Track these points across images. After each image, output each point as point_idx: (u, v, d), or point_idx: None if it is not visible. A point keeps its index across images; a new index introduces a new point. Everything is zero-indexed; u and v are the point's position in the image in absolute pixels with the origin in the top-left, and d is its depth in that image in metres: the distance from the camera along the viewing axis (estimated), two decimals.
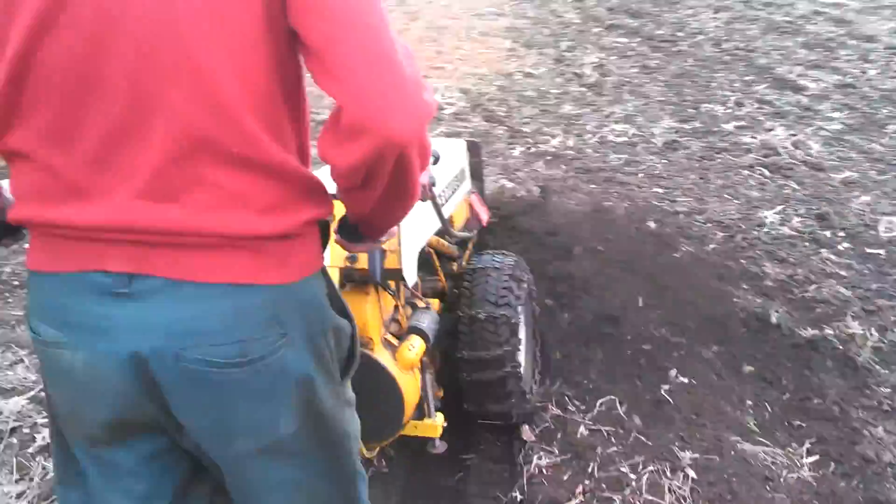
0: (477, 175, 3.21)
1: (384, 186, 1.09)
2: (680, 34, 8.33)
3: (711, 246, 3.92)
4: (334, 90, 1.01)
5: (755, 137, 5.38)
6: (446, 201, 2.47)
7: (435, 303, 2.47)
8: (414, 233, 2.06)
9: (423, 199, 1.62)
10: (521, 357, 2.58)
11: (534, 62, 7.91)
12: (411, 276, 2.06)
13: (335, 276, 1.89)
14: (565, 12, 10.92)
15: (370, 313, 2.02)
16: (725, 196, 4.53)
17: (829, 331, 3.26)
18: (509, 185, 4.65)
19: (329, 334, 1.20)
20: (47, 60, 1.01)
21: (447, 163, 2.46)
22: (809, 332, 3.25)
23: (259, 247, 1.08)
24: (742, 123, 5.67)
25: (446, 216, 2.35)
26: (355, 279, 1.99)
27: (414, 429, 2.26)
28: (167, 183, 1.05)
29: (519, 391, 2.52)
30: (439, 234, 2.48)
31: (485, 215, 3.15)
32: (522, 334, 2.64)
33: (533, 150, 5.39)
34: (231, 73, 1.02)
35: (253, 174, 1.06)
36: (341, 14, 1.00)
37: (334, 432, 1.26)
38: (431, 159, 1.57)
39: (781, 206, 4.35)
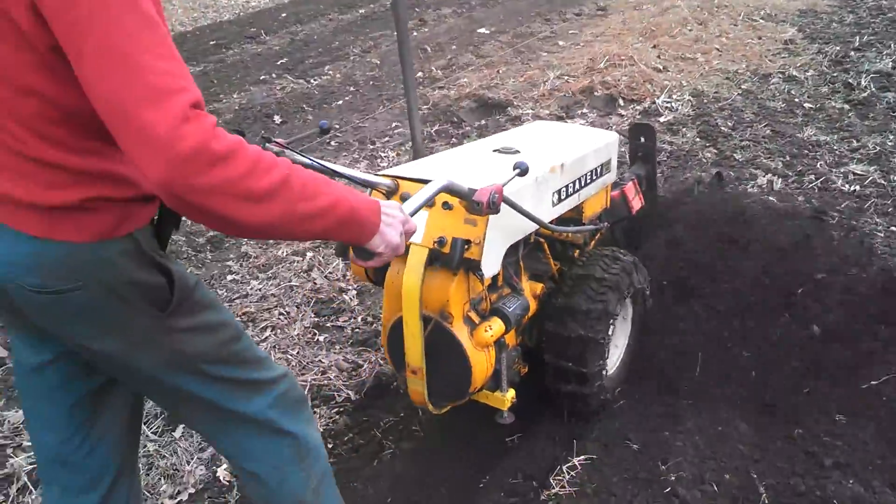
0: (649, 159, 3.46)
1: (209, 223, 1.26)
2: None
3: None
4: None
5: None
6: (567, 197, 2.59)
7: (537, 287, 2.61)
8: (500, 230, 2.20)
9: (488, 212, 1.87)
10: (605, 370, 2.67)
11: (806, 61, 6.52)
12: (490, 268, 2.21)
13: (423, 255, 2.12)
14: None
15: (452, 291, 2.22)
16: None
17: None
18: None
19: (128, 285, 1.41)
20: None
21: (580, 157, 2.63)
22: None
23: (50, 212, 1.33)
24: None
25: (569, 208, 2.64)
26: (440, 260, 2.16)
27: (485, 398, 2.46)
28: None
29: (597, 399, 2.67)
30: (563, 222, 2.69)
31: (637, 204, 3.21)
32: (616, 343, 2.80)
33: (728, 189, 4.33)
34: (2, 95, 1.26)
35: (31, 164, 1.31)
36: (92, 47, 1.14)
37: (167, 351, 1.50)
38: (518, 171, 1.96)
39: None
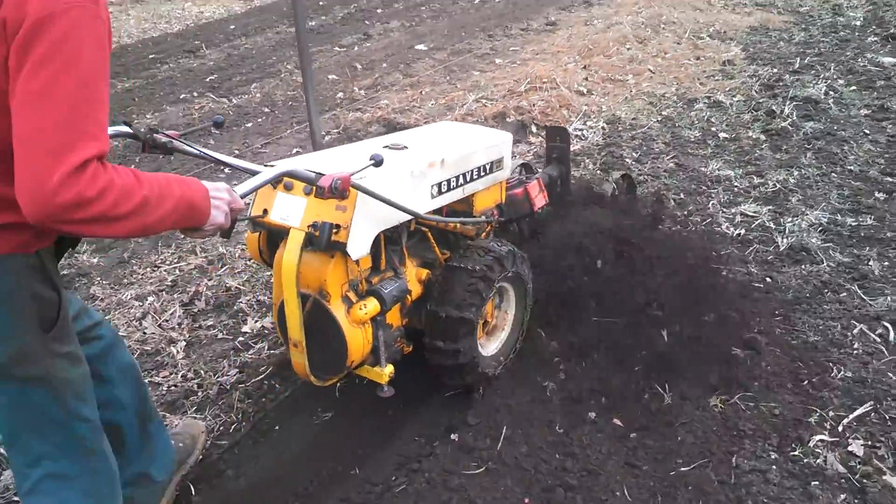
0: (563, 160, 3.71)
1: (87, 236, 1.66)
2: None
3: None
4: None
5: None
6: (449, 190, 2.79)
7: (423, 273, 2.81)
8: (369, 217, 2.39)
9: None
10: (479, 348, 2.87)
11: (737, 85, 6.24)
12: (357, 250, 2.39)
13: (300, 238, 2.30)
14: (851, 8, 8.67)
15: (330, 272, 2.42)
16: None
17: None
18: None
19: (27, 294, 1.63)
20: None
21: (464, 154, 2.84)
22: None
23: None
24: None
25: (452, 200, 2.84)
26: (315, 244, 2.33)
27: (366, 372, 2.64)
28: None
29: (475, 371, 2.82)
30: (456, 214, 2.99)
31: (541, 201, 3.38)
32: (499, 325, 3.04)
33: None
34: None
35: None
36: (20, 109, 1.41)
37: (38, 374, 1.70)
38: (372, 162, 2.16)
39: None
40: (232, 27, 9.63)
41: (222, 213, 1.75)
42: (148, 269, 4.16)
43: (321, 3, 10.65)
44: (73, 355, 1.78)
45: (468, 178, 2.91)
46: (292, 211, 2.44)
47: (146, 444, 2.33)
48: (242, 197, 1.87)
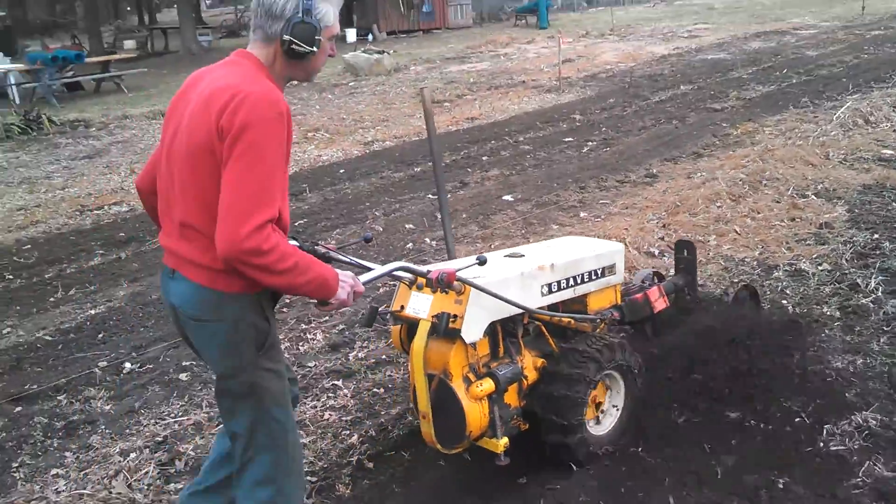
0: (690, 270, 4.31)
1: (251, 278, 2.20)
2: None
3: None
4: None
5: None
6: (560, 290, 3.33)
7: (538, 361, 3.32)
8: (482, 308, 2.94)
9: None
10: (584, 425, 3.26)
11: (826, 252, 5.68)
12: (470, 335, 2.93)
13: (426, 327, 2.92)
14: None
15: (452, 356, 2.97)
16: None
17: None
18: None
19: (248, 322, 2.32)
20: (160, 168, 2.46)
21: (574, 260, 3.41)
22: None
23: (211, 271, 2.26)
24: None
25: (562, 299, 3.38)
26: (437, 331, 2.91)
27: (485, 443, 3.10)
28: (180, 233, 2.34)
29: (580, 450, 3.24)
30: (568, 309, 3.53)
31: (661, 305, 3.87)
32: (607, 409, 3.45)
33: None
34: (193, 194, 2.27)
35: (208, 239, 2.21)
36: (226, 183, 2.15)
37: (251, 380, 2.37)
38: (477, 261, 2.85)
39: None
40: (341, 171, 10.04)
41: (345, 292, 2.33)
42: (152, 421, 4.15)
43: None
44: (277, 371, 2.45)
45: (579, 281, 3.43)
46: (422, 306, 3.02)
47: None
48: (365, 284, 2.48)
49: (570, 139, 10.74)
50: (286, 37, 2.29)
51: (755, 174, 7.71)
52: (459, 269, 2.80)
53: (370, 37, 30.34)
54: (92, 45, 32.48)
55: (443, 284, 2.73)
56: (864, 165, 8.00)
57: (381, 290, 5.69)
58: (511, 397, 3.21)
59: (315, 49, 2.33)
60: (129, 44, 31.44)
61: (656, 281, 4.13)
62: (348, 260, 2.84)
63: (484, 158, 10.09)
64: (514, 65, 19.03)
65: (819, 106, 11.22)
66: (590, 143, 10.40)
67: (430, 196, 8.35)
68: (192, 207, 2.26)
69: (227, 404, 2.47)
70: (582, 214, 7.29)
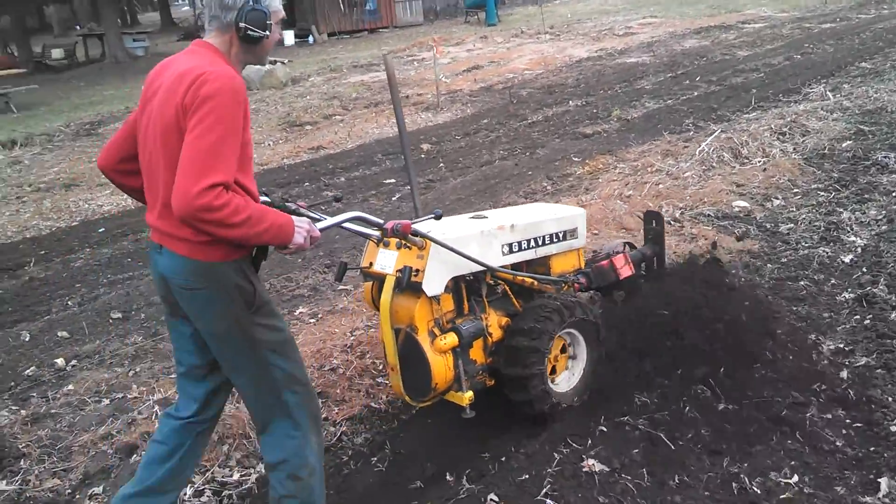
0: (658, 241, 4.47)
1: (206, 233, 2.36)
2: None
3: None
4: None
5: None
6: (520, 250, 3.55)
7: (503, 320, 3.51)
8: (441, 263, 3.14)
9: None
10: (546, 379, 3.44)
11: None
12: (431, 289, 3.13)
13: (391, 281, 3.12)
14: None
15: (417, 311, 3.19)
16: None
17: None
18: None
19: (234, 286, 2.50)
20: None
21: (533, 222, 3.64)
22: None
23: (191, 243, 2.44)
24: None
25: (523, 259, 3.60)
26: (400, 286, 3.10)
27: (451, 396, 3.33)
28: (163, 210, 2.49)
29: (541, 404, 3.42)
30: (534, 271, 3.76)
31: (626, 272, 4.04)
32: (570, 365, 3.66)
33: None
34: (167, 173, 2.40)
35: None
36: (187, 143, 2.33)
37: (246, 336, 2.56)
38: (433, 215, 3.09)
39: None
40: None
41: (302, 237, 2.50)
42: None
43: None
44: (272, 326, 2.62)
45: (539, 242, 3.63)
46: (388, 262, 3.22)
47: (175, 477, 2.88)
48: (322, 230, 2.65)
49: (392, 181, 8.86)
50: (241, 24, 2.51)
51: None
52: (414, 222, 2.97)
53: (311, 39, 28.51)
54: (21, 54, 30.83)
55: (398, 234, 2.93)
56: (696, 229, 6.09)
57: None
58: (476, 353, 3.40)
59: (267, 33, 2.58)
60: (57, 52, 29.66)
61: (626, 249, 4.20)
62: (315, 215, 2.99)
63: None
64: (417, 74, 17.09)
65: (701, 130, 9.32)
66: (407, 188, 8.51)
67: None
68: (169, 185, 2.35)
69: (229, 361, 2.64)
70: (300, 310, 5.45)
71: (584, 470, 3.21)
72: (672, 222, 6.21)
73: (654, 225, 4.47)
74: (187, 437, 2.81)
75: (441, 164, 9.32)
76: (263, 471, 3.31)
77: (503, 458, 3.37)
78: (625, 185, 7.26)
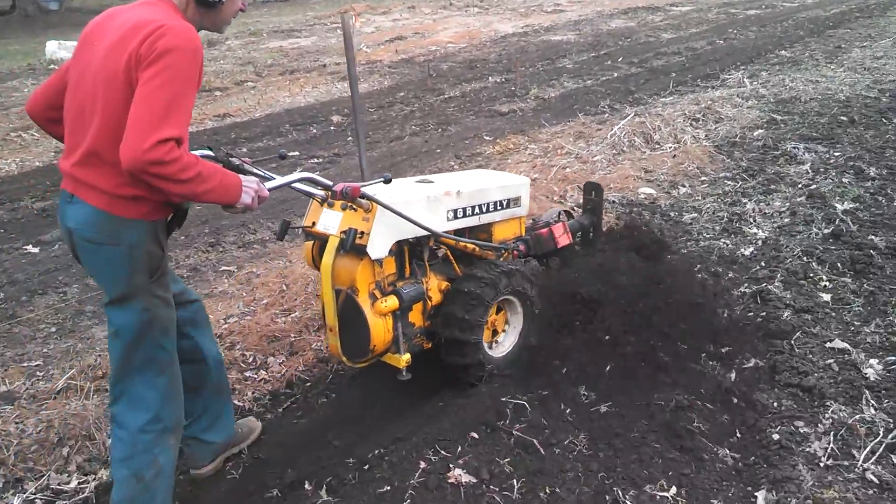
0: (596, 211, 4.52)
1: (156, 188, 2.28)
2: None
3: None
4: None
5: None
6: (464, 216, 3.55)
7: (443, 284, 3.53)
8: (387, 226, 3.11)
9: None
10: (482, 345, 3.49)
11: None
12: (375, 252, 3.10)
13: (335, 242, 3.08)
14: None
15: (359, 272, 3.15)
16: None
17: None
18: None
19: (144, 249, 2.45)
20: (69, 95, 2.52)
21: (479, 189, 3.62)
22: None
23: (112, 196, 2.38)
24: None
25: (466, 225, 3.60)
26: (344, 247, 3.05)
27: (388, 359, 3.34)
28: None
29: (477, 369, 3.48)
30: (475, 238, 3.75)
31: (564, 241, 4.13)
32: (507, 330, 3.71)
33: None
34: (103, 122, 2.34)
35: (109, 166, 2.35)
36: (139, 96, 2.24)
37: (143, 306, 2.51)
38: (382, 179, 3.07)
39: None
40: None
41: (249, 197, 2.46)
42: None
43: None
44: (166, 300, 2.60)
45: (484, 210, 3.64)
46: (332, 222, 3.18)
47: (214, 405, 3.11)
48: (270, 190, 2.60)
49: (296, 153, 8.42)
50: None
51: None
52: (363, 185, 2.94)
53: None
54: None
55: (346, 197, 2.88)
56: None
57: None
58: (415, 316, 3.43)
59: (224, 0, 2.53)
60: None
61: (563, 218, 4.27)
62: (262, 173, 2.93)
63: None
64: (338, 42, 16.54)
65: (617, 112, 9.14)
66: (310, 163, 8.10)
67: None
68: (102, 135, 2.33)
69: (116, 324, 2.56)
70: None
71: (449, 481, 2.94)
72: (576, 209, 5.99)
73: (593, 196, 4.51)
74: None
75: (349, 138, 8.90)
76: (107, 475, 3.07)
77: (366, 467, 3.11)
78: (532, 168, 7.01)
